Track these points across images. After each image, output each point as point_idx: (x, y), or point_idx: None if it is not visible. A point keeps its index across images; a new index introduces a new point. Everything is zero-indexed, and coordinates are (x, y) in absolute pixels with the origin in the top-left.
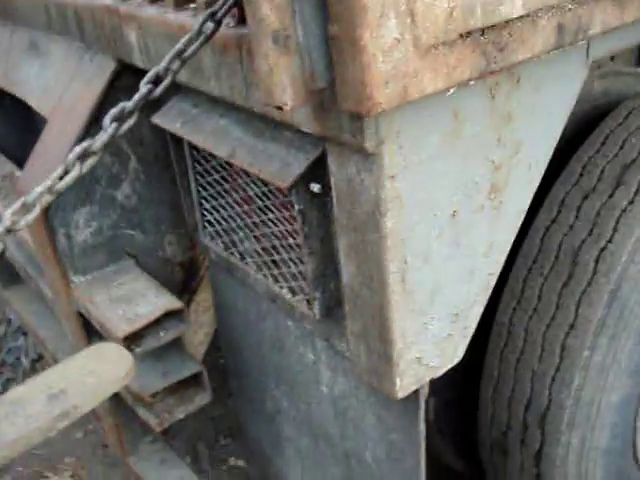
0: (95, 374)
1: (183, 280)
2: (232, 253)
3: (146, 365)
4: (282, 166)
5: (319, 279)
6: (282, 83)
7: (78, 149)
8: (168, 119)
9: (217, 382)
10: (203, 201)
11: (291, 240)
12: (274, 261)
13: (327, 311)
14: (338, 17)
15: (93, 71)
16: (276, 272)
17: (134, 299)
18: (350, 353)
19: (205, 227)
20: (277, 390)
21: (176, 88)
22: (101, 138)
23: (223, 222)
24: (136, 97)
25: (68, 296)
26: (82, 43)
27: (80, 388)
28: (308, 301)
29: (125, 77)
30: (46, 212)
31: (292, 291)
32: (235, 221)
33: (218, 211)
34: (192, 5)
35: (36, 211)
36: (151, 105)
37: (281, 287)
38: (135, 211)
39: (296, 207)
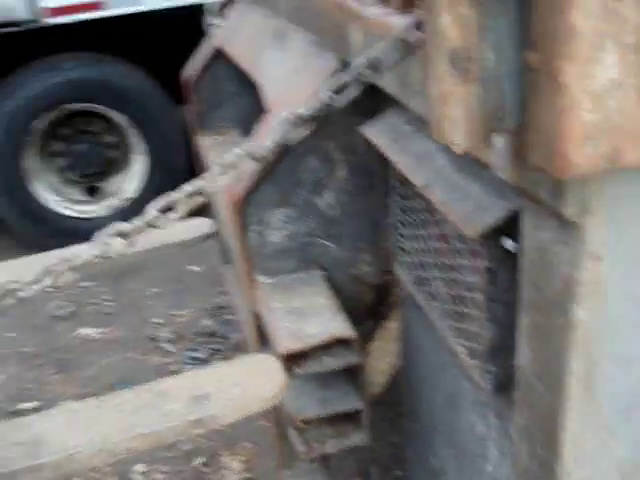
0: (242, 386)
1: (372, 303)
2: (420, 290)
3: (306, 387)
4: (475, 211)
5: (496, 350)
6: (454, 117)
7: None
8: (377, 132)
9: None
10: (400, 225)
11: (477, 296)
12: (458, 313)
13: (501, 387)
14: (539, 41)
15: (316, 68)
16: (458, 326)
17: (308, 315)
18: (514, 446)
19: (399, 254)
20: (444, 449)
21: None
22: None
23: (416, 254)
24: (314, 104)
25: (250, 294)
26: (315, 37)
27: (223, 398)
28: (482, 370)
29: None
30: (242, 207)
31: (470, 352)
32: (427, 256)
33: (412, 241)
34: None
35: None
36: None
37: (460, 344)
38: (335, 222)
39: (483, 262)
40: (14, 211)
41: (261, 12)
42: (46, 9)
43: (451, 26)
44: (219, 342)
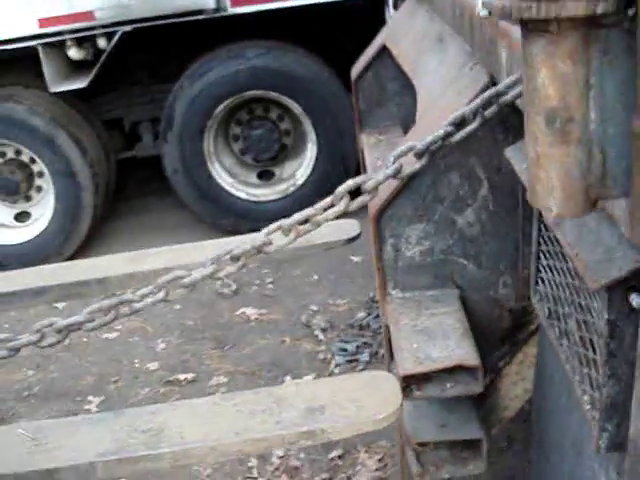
0: (357, 403)
1: (509, 328)
2: (552, 324)
3: (425, 409)
4: (602, 259)
5: (614, 409)
6: (549, 180)
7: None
8: (518, 155)
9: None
10: (541, 255)
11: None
12: (585, 357)
13: (617, 447)
14: None
15: (467, 81)
16: (584, 371)
17: (436, 336)
18: None
19: (537, 283)
20: None
21: None
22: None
23: (552, 286)
24: (428, 139)
25: (383, 306)
26: (470, 48)
27: (338, 413)
28: (598, 425)
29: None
30: (378, 219)
31: (592, 402)
32: (563, 291)
33: (550, 272)
34: None
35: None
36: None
37: (584, 391)
38: (474, 241)
39: (605, 314)
40: (193, 189)
41: (426, 14)
42: None
43: (549, 83)
44: (370, 336)
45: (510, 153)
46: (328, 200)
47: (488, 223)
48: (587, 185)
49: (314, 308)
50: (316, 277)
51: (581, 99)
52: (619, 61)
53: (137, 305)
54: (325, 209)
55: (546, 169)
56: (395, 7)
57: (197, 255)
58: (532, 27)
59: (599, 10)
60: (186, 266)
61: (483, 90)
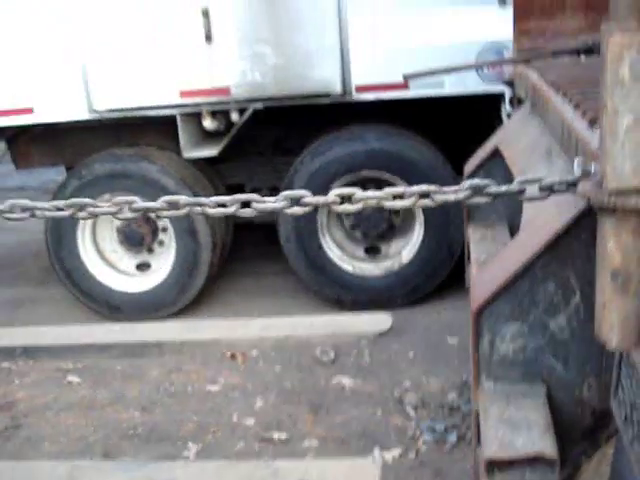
0: None
1: (590, 427)
2: (627, 430)
3: None
4: None
5: None
6: (611, 321)
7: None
8: None
9: None
10: (622, 364)
11: None
12: None
13: None
14: None
15: (570, 199)
16: None
17: (520, 427)
18: None
19: (617, 389)
20: None
21: None
22: None
23: (629, 393)
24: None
25: (475, 394)
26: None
27: None
28: None
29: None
30: (478, 315)
31: None
32: (638, 400)
33: (629, 381)
34: None
35: None
36: None
37: None
38: (564, 344)
39: None
40: (302, 258)
41: (538, 125)
42: (357, 86)
43: (615, 250)
44: (459, 418)
45: None
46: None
47: (578, 329)
48: None
49: (407, 384)
50: (412, 354)
51: (637, 265)
52: None
53: (210, 211)
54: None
55: (609, 312)
56: (511, 104)
57: (243, 331)
58: None
59: None
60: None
61: (581, 212)
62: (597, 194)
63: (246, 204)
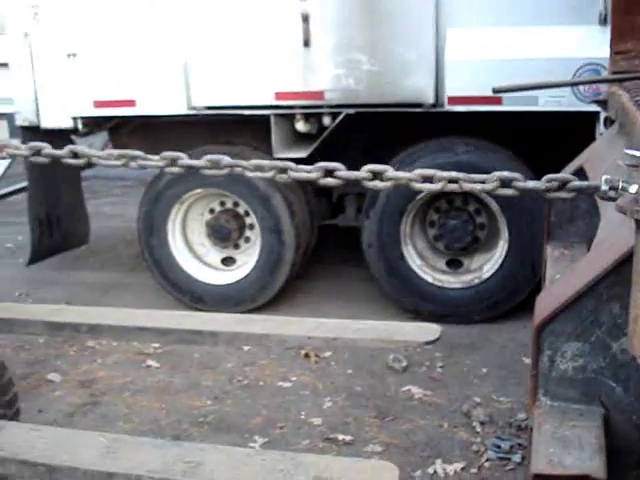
0: None
1: None
2: None
3: None
4: None
5: None
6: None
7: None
8: None
9: None
10: None
11: None
12: None
13: None
14: None
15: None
16: None
17: (572, 446)
18: None
19: None
20: None
21: None
22: None
23: None
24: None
25: (531, 409)
26: None
27: None
28: None
29: None
30: (540, 331)
31: None
32: None
33: None
34: None
35: None
36: None
37: None
38: (625, 367)
39: None
40: (383, 265)
41: (624, 147)
42: (450, 97)
43: None
44: (525, 438)
45: None
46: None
47: None
48: None
49: (477, 400)
50: (485, 370)
51: None
52: None
53: (250, 174)
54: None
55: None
56: (605, 124)
57: (292, 328)
58: None
59: None
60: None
61: None
62: (633, 208)
63: (283, 170)
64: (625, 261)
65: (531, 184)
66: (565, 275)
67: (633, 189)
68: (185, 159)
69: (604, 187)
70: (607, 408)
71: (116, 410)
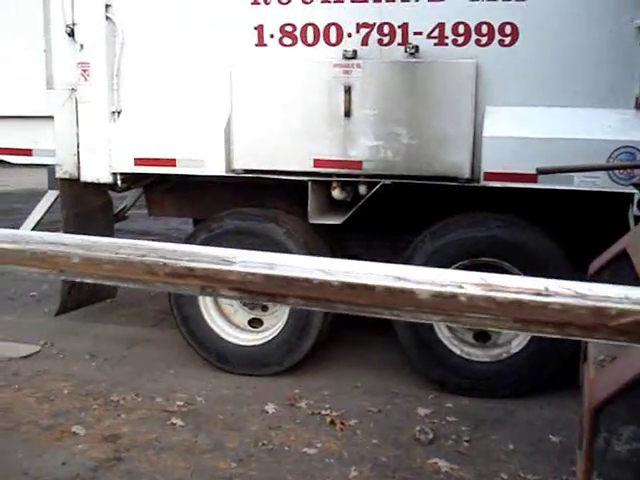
0: None
1: None
2: None
3: None
4: None
5: None
6: None
7: None
8: None
9: None
10: None
11: None
12: None
13: None
14: None
15: None
16: None
17: None
18: None
19: None
20: None
21: None
22: None
23: None
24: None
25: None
26: None
27: None
28: None
29: None
30: (597, 412)
31: None
32: None
33: None
34: None
35: None
36: None
37: None
38: None
39: None
40: (411, 335)
41: None
42: (486, 173)
43: None
44: None
45: None
46: None
47: None
48: None
49: (504, 476)
50: (512, 446)
51: None
52: None
53: None
54: None
55: None
56: (639, 206)
57: None
58: None
59: None
60: None
61: None
62: None
63: None
64: None
65: None
66: (620, 357)
67: None
68: None
69: None
70: None
71: (140, 467)
